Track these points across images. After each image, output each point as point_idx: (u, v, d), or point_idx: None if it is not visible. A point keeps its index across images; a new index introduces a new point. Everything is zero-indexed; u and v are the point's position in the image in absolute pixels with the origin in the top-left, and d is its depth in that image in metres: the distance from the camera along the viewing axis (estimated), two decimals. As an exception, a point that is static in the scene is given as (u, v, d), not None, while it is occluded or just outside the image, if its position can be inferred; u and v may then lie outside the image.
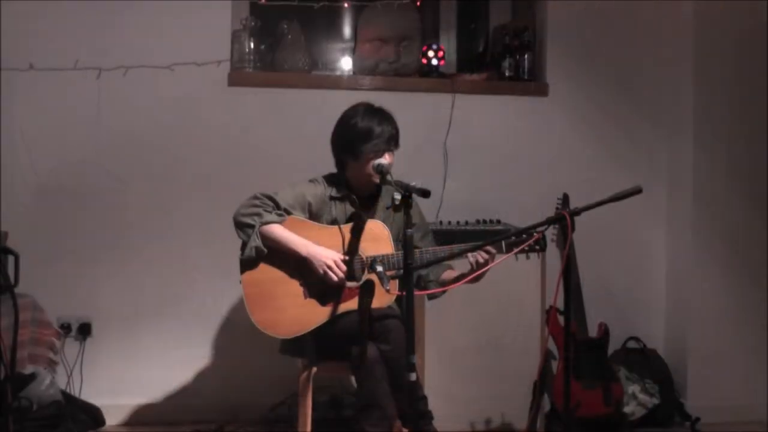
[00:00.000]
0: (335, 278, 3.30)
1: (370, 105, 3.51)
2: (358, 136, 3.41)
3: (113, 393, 4.31)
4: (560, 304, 3.09)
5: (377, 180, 3.41)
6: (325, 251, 3.32)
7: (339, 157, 3.53)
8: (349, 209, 3.48)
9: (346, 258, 3.35)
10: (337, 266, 3.30)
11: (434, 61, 4.60)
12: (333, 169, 3.59)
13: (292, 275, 3.36)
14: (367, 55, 4.74)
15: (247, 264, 3.34)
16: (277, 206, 3.37)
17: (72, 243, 4.32)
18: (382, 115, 3.46)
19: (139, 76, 4.31)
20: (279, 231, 3.33)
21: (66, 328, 4.29)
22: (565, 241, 2.97)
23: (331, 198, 3.47)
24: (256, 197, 3.37)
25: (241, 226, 3.33)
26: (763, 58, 4.55)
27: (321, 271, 3.30)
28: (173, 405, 4.37)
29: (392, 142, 3.44)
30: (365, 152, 3.40)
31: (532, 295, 4.15)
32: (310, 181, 3.54)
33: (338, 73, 4.90)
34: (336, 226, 3.41)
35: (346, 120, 3.48)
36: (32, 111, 4.28)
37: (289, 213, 3.38)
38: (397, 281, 3.24)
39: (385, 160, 3.40)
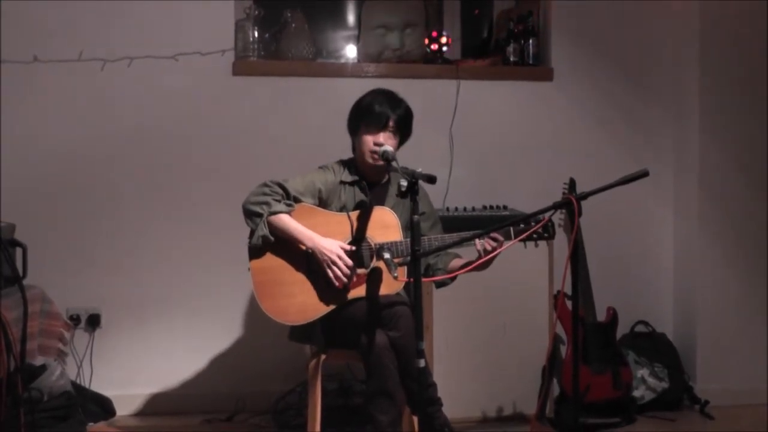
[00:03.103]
0: (339, 273, 3.29)
1: (384, 89, 3.54)
2: (358, 112, 3.47)
3: (123, 383, 4.32)
4: (568, 289, 3.09)
5: (370, 160, 3.41)
6: (331, 245, 3.31)
7: (351, 138, 3.56)
8: (359, 195, 3.48)
9: (353, 248, 3.35)
10: (342, 261, 3.30)
11: (439, 48, 4.58)
12: (338, 156, 3.61)
13: (300, 262, 3.36)
14: (371, 42, 4.73)
15: (256, 251, 3.34)
16: (287, 194, 3.37)
17: (80, 234, 4.33)
18: (389, 96, 3.48)
19: (144, 66, 4.31)
20: (286, 221, 3.33)
21: (75, 319, 4.31)
22: (572, 226, 2.96)
23: (342, 182, 3.48)
24: (266, 185, 3.37)
25: (249, 215, 3.34)
26: (770, 42, 4.55)
27: (325, 266, 3.30)
28: (183, 394, 4.39)
29: (387, 122, 3.43)
30: (361, 127, 3.43)
31: (540, 280, 4.16)
32: (320, 167, 3.55)
33: (343, 61, 4.89)
34: (345, 214, 3.41)
35: (358, 100, 3.52)
36: (37, 103, 4.28)
37: (298, 201, 3.39)
38: (405, 268, 3.24)
39: (378, 138, 3.40)
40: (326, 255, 3.30)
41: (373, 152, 3.41)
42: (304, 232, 3.33)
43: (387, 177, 3.58)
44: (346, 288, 3.35)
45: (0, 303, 3.44)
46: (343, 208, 3.45)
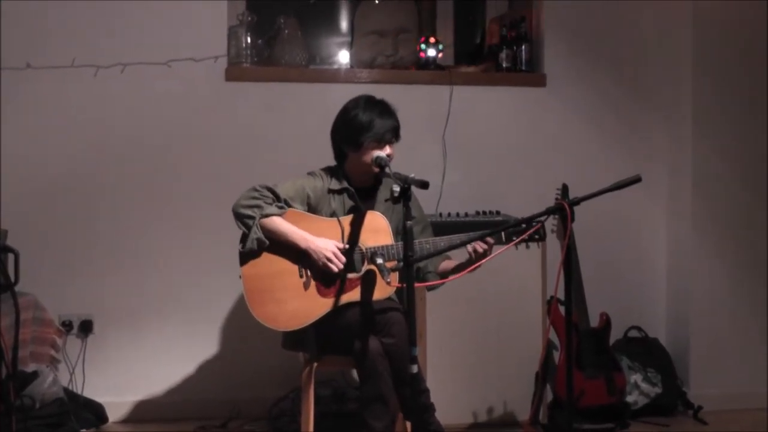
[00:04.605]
0: (335, 270, 3.31)
1: (371, 97, 3.52)
2: (359, 128, 3.41)
3: (116, 390, 4.31)
4: (561, 295, 3.09)
5: (376, 171, 3.41)
6: (324, 243, 3.33)
7: (339, 149, 3.54)
8: (348, 202, 3.48)
9: (346, 247, 3.36)
10: (337, 257, 3.31)
11: (432, 54, 4.59)
12: (332, 162, 3.60)
13: (292, 268, 3.36)
14: (364, 48, 4.74)
15: (247, 257, 3.34)
16: (277, 198, 3.37)
17: (72, 240, 4.32)
18: (384, 107, 3.47)
19: (137, 73, 4.30)
20: (279, 223, 3.34)
21: (67, 325, 4.29)
22: (565, 231, 2.97)
23: (330, 191, 3.47)
24: (255, 189, 3.37)
25: (241, 218, 3.33)
26: (763, 43, 4.55)
27: (320, 264, 3.31)
28: (176, 401, 4.37)
29: (393, 134, 3.45)
30: (366, 143, 3.40)
31: (533, 286, 4.16)
32: (309, 174, 3.54)
33: (336, 66, 4.90)
34: (335, 219, 3.41)
35: (348, 111, 3.48)
36: (30, 110, 4.27)
37: (288, 205, 3.39)
38: (397, 273, 3.25)
39: (384, 152, 3.40)
40: (321, 253, 3.31)
41: None
42: (297, 233, 3.33)
43: (375, 183, 3.57)
44: (339, 293, 3.35)
45: (-7, 310, 3.43)
46: (333, 215, 3.44)
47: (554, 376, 4.17)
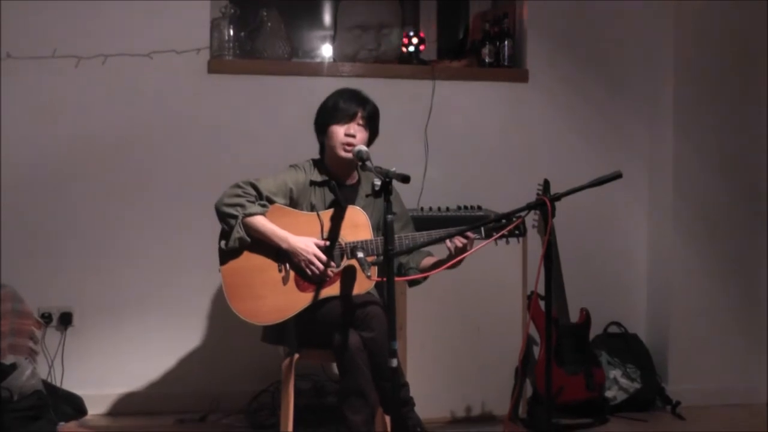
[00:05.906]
0: (317, 272, 3.31)
1: (349, 88, 3.54)
2: (324, 111, 3.49)
3: (95, 382, 4.29)
4: (541, 290, 3.10)
5: (342, 152, 3.41)
6: (306, 245, 3.32)
7: (319, 140, 3.55)
8: (329, 196, 3.47)
9: (327, 243, 3.35)
10: (319, 259, 3.31)
11: (414, 48, 4.59)
12: (313, 156, 3.60)
13: (271, 263, 3.35)
14: (347, 42, 4.74)
15: (227, 253, 3.34)
16: (260, 194, 3.36)
17: (52, 232, 4.29)
18: (354, 94, 3.50)
19: (119, 64, 4.28)
20: (262, 222, 3.33)
21: (47, 317, 4.27)
22: (545, 226, 2.98)
23: (312, 183, 3.47)
24: (238, 186, 3.36)
25: (223, 217, 3.32)
26: (744, 45, 4.58)
27: (303, 266, 3.31)
28: (156, 394, 4.36)
29: (356, 114, 3.45)
30: (329, 123, 3.44)
31: (514, 281, 4.17)
32: (292, 166, 3.54)
33: (318, 60, 4.89)
34: (315, 213, 3.40)
35: (323, 101, 3.53)
36: (10, 101, 4.23)
37: (271, 201, 3.38)
38: (377, 267, 3.25)
39: (345, 130, 3.40)
40: (302, 255, 3.31)
41: (345, 143, 3.41)
42: (278, 234, 3.33)
43: (357, 177, 3.58)
44: (319, 287, 3.35)
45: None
46: (313, 208, 3.44)
47: (534, 371, 4.19)
